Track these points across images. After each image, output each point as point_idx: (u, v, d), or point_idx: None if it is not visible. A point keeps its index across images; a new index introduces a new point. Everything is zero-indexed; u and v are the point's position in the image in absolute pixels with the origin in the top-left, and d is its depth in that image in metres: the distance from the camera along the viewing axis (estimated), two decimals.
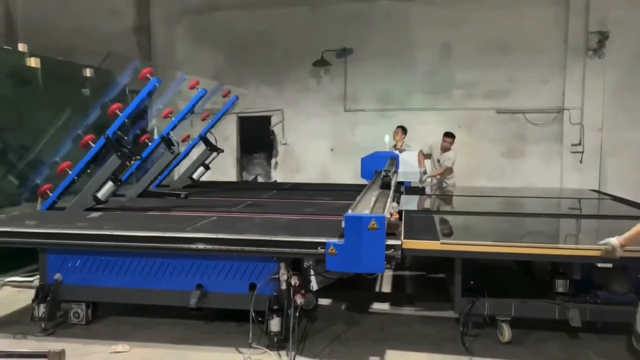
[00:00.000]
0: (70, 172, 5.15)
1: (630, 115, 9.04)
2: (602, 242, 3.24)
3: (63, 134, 6.48)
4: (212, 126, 7.17)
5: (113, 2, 10.89)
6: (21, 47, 6.67)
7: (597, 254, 3.29)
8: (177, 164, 7.14)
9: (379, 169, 5.86)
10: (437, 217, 4.64)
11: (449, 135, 8.21)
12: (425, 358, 3.75)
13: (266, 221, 4.50)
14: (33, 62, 6.56)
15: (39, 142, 6.50)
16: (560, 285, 3.80)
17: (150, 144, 6.39)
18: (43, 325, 4.05)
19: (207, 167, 7.34)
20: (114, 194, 5.30)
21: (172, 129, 6.30)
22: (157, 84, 5.14)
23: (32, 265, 5.42)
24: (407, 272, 5.88)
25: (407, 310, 4.74)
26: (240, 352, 3.76)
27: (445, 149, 8.18)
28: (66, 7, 10.84)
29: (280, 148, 10.61)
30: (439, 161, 8.26)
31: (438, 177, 8.24)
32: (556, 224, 4.83)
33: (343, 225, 3.28)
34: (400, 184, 6.36)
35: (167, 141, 6.21)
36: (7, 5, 11.18)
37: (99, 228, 3.98)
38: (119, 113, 5.07)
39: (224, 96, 7.32)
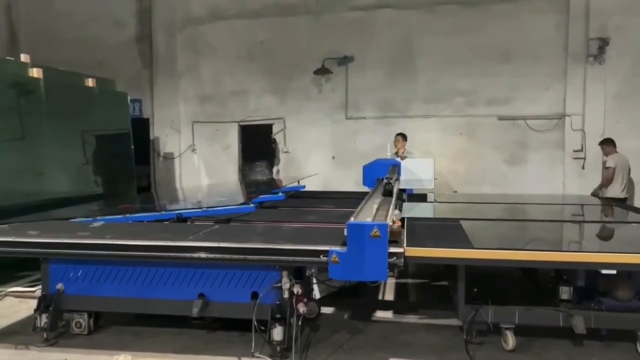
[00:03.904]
0: (126, 215, 5.25)
1: (631, 121, 9.03)
2: None
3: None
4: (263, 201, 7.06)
5: (115, 12, 10.99)
6: (23, 57, 6.71)
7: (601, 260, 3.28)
8: None
9: (381, 176, 5.87)
10: (439, 224, 4.63)
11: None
12: None
13: (268, 229, 4.49)
14: (35, 72, 6.59)
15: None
16: (564, 292, 3.78)
17: None
18: (45, 335, 4.03)
19: None
20: None
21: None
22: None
23: (34, 274, 5.43)
24: (410, 280, 5.86)
25: (411, 318, 4.70)
26: None
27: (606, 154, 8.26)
28: (68, 18, 10.94)
29: (281, 156, 10.62)
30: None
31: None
32: (559, 230, 4.81)
33: (345, 233, 3.27)
34: (402, 191, 6.36)
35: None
36: (10, 17, 11.29)
37: (101, 237, 3.98)
38: (205, 208, 5.29)
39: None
